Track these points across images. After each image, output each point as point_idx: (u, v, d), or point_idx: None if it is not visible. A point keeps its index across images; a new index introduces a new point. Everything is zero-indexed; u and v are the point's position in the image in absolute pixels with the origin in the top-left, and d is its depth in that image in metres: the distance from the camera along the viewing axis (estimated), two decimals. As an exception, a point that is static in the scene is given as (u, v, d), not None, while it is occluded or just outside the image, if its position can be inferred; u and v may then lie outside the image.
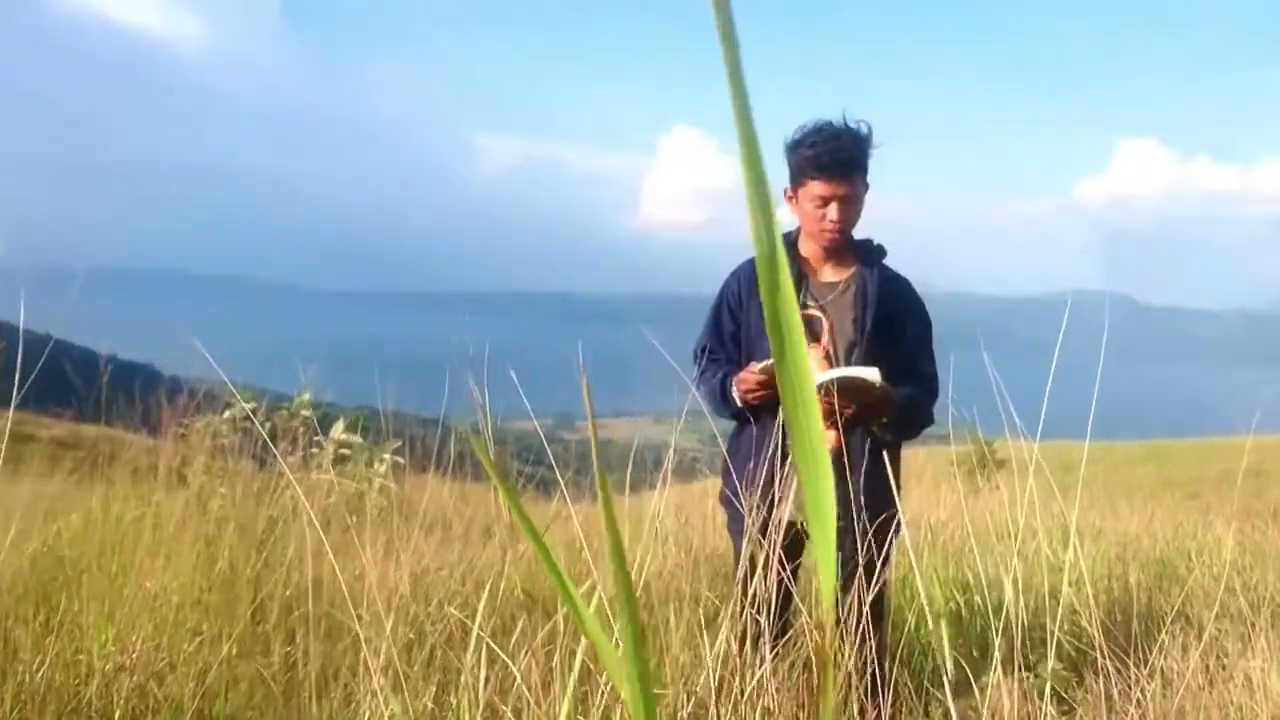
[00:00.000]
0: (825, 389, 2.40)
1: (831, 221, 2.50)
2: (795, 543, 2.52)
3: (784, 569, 2.36)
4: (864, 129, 2.50)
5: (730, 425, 2.73)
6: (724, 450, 2.73)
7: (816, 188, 2.49)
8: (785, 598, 2.32)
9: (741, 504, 2.59)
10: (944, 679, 1.56)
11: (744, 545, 2.44)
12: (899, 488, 2.52)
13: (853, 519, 2.41)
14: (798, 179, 2.55)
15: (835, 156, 2.46)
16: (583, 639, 1.69)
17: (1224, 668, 2.19)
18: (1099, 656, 1.95)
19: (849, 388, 2.40)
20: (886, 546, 2.53)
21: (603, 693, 1.82)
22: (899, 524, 2.59)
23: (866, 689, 2.10)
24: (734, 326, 2.65)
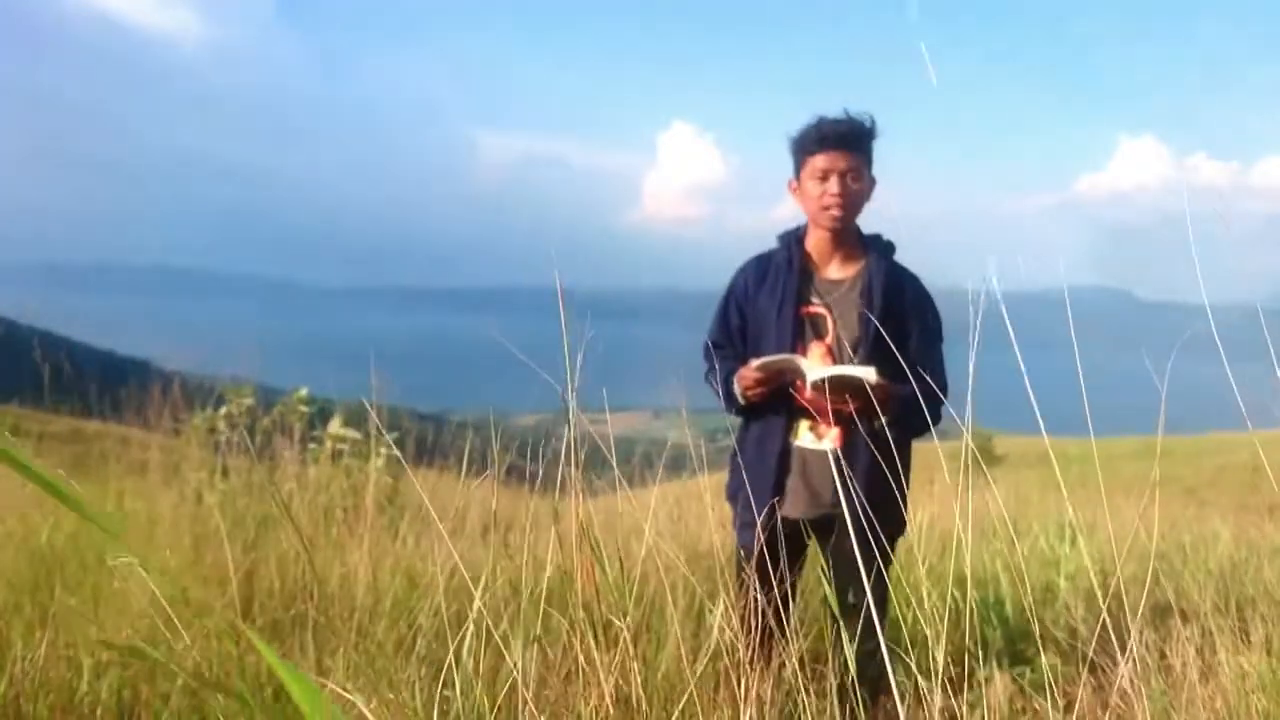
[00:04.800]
0: (821, 385, 2.39)
1: (833, 195, 2.48)
2: (797, 539, 2.53)
3: (783, 564, 2.37)
4: (867, 120, 2.51)
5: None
6: (732, 446, 2.73)
7: (818, 161, 2.48)
8: (783, 593, 2.32)
9: (742, 500, 2.59)
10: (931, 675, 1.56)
11: (753, 540, 2.44)
12: (907, 486, 2.51)
13: (855, 515, 2.41)
14: (800, 160, 2.54)
15: (837, 129, 2.46)
16: (577, 634, 1.70)
17: (1219, 662, 2.20)
18: (1093, 651, 1.95)
19: (845, 385, 2.40)
20: (888, 544, 2.53)
21: (599, 683, 1.82)
22: (900, 522, 2.58)
23: (862, 685, 2.10)
24: (740, 322, 2.65)
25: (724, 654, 1.85)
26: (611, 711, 1.60)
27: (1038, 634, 2.07)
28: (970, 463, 1.60)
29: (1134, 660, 1.61)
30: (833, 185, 2.48)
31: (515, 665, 1.64)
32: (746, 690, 1.67)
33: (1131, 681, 1.74)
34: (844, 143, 2.47)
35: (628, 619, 1.66)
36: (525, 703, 1.62)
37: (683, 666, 1.89)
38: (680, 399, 2.63)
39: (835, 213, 2.50)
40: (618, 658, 1.64)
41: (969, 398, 1.63)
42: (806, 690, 1.75)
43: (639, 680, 1.64)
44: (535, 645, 1.82)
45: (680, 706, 1.72)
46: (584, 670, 1.62)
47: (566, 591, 1.73)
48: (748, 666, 1.74)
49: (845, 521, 2.39)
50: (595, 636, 1.65)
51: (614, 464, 1.88)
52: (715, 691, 1.84)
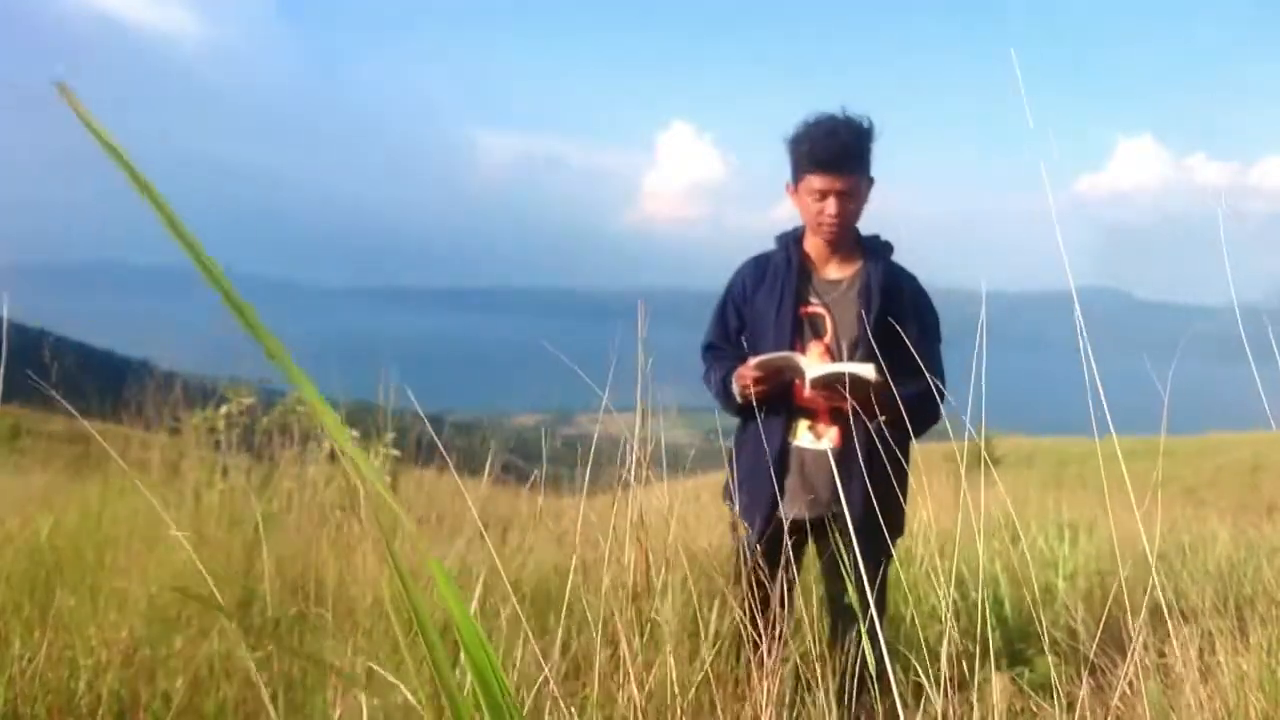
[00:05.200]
0: (821, 383, 2.39)
1: (830, 216, 2.49)
2: (796, 539, 2.53)
3: (780, 563, 2.37)
4: (864, 123, 2.50)
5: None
6: (730, 446, 2.73)
7: (815, 182, 2.49)
8: (782, 594, 2.32)
9: (740, 500, 2.59)
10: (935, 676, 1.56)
11: (748, 539, 2.44)
12: (906, 486, 2.51)
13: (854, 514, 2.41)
14: (797, 174, 2.55)
15: (832, 151, 2.45)
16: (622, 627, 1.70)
17: (1218, 662, 2.20)
18: (1091, 651, 1.95)
19: (845, 383, 2.40)
20: (887, 544, 2.53)
21: (599, 677, 1.82)
22: (900, 522, 2.58)
23: (859, 686, 2.11)
24: (738, 323, 2.66)
25: (736, 650, 1.86)
26: (646, 706, 1.60)
27: (1045, 632, 2.08)
28: (971, 463, 1.61)
29: (1134, 661, 1.61)
30: (830, 207, 2.49)
31: (543, 659, 1.64)
32: (768, 689, 1.67)
33: (1130, 682, 1.74)
34: (838, 164, 2.47)
35: (666, 614, 1.67)
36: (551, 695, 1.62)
37: (698, 664, 1.89)
38: (678, 399, 2.63)
39: (832, 231, 2.52)
40: (660, 652, 1.64)
41: (969, 398, 1.63)
42: (807, 689, 1.75)
43: (674, 676, 1.65)
44: (556, 641, 1.82)
45: (685, 701, 1.72)
46: (623, 662, 1.63)
47: (578, 586, 1.73)
48: (754, 664, 1.74)
49: (844, 521, 2.40)
50: (640, 631, 1.66)
51: (664, 466, 1.88)
52: (731, 688, 1.84)
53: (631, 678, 1.60)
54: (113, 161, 0.45)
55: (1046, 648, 1.84)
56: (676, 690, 1.66)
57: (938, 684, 1.55)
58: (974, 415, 1.66)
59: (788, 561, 2.42)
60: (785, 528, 2.47)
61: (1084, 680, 1.89)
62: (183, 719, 2.01)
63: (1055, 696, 1.71)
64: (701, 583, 2.46)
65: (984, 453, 1.61)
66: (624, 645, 1.64)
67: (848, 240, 2.59)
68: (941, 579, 3.24)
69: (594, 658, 1.86)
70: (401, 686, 1.23)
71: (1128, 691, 1.79)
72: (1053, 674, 1.70)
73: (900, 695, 1.54)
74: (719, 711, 1.72)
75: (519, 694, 1.72)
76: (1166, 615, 1.80)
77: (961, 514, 1.69)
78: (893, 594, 3.13)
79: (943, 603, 1.54)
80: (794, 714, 1.91)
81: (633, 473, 1.80)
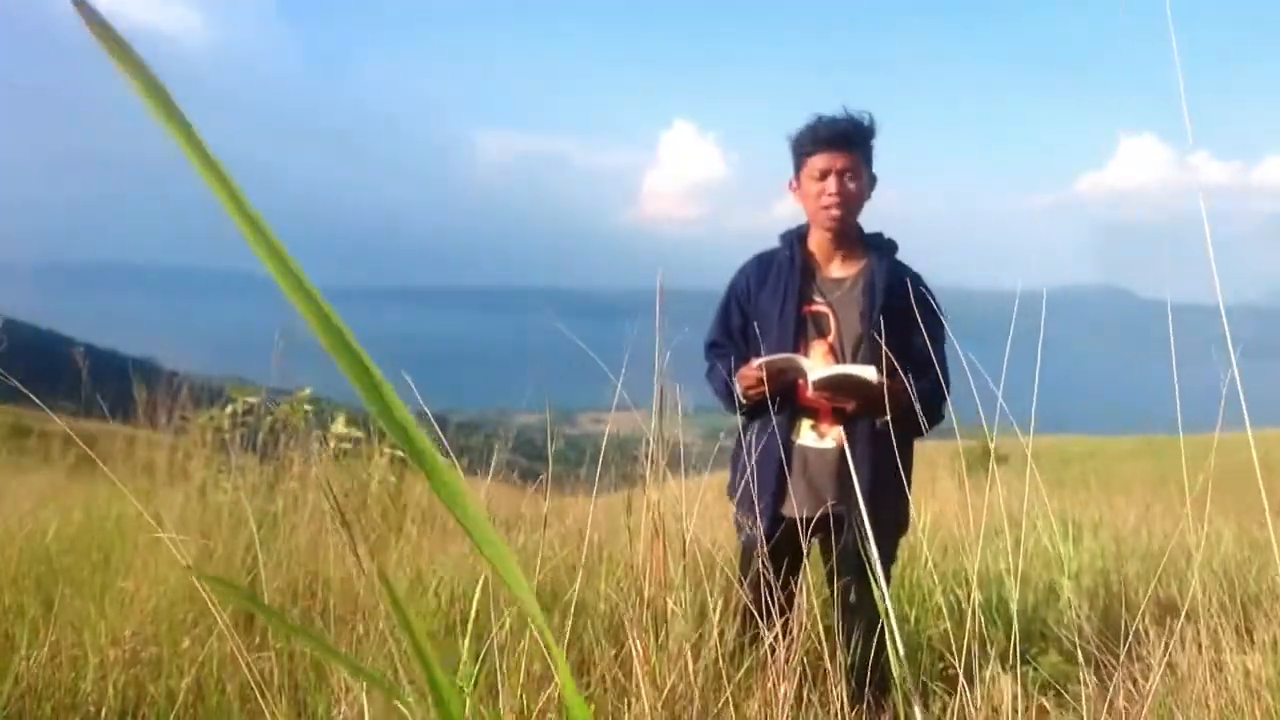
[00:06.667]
0: (824, 385, 2.40)
1: (831, 194, 2.49)
2: (799, 538, 2.53)
3: (784, 562, 2.37)
4: (865, 119, 2.52)
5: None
6: (734, 445, 2.74)
7: (817, 161, 2.50)
8: (786, 591, 2.32)
9: (744, 499, 2.60)
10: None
11: (747, 538, 2.45)
12: (908, 485, 2.52)
13: (856, 513, 2.41)
14: (800, 161, 2.56)
15: (834, 130, 2.48)
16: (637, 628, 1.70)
17: (1224, 661, 2.20)
18: (1096, 650, 1.95)
19: (847, 385, 2.40)
20: (890, 543, 2.54)
21: (603, 679, 1.83)
22: (903, 521, 2.59)
23: (864, 684, 2.11)
24: (742, 321, 2.67)
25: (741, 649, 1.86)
26: (658, 705, 1.60)
27: (1066, 627, 2.08)
28: (976, 463, 1.61)
29: (1137, 660, 1.61)
30: (830, 184, 2.49)
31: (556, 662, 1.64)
32: (783, 688, 1.68)
33: (1135, 680, 1.74)
34: (840, 142, 2.48)
35: (683, 611, 1.67)
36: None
37: (705, 664, 1.90)
38: (679, 398, 2.64)
39: (834, 212, 2.51)
40: (676, 652, 1.65)
41: (1000, 396, 1.63)
42: (814, 688, 1.75)
43: (691, 673, 1.65)
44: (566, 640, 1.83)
45: (700, 700, 1.72)
46: (636, 660, 1.63)
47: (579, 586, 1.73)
48: (765, 662, 1.75)
49: (847, 520, 2.40)
50: (654, 630, 1.66)
51: (681, 464, 1.89)
52: (741, 686, 1.84)
53: (644, 676, 1.61)
54: (200, 170, 0.44)
55: (1075, 643, 1.84)
56: (693, 688, 1.66)
57: (949, 682, 1.55)
58: (1018, 416, 1.66)
59: (795, 560, 2.43)
60: (789, 526, 2.47)
61: (1113, 680, 1.88)
62: (187, 718, 2.02)
63: (1083, 694, 1.71)
64: (709, 581, 2.47)
65: (1029, 453, 1.61)
66: (637, 643, 1.64)
67: (852, 232, 2.60)
68: (944, 578, 3.23)
69: (598, 657, 1.86)
70: (406, 687, 1.23)
71: (1132, 690, 1.79)
72: (1082, 672, 1.70)
73: (906, 694, 1.55)
74: (730, 709, 1.72)
75: (522, 695, 1.73)
76: (1171, 613, 1.80)
77: (986, 513, 1.69)
78: (895, 592, 3.13)
79: (969, 601, 1.55)
80: (802, 711, 1.91)
81: (648, 471, 1.80)
